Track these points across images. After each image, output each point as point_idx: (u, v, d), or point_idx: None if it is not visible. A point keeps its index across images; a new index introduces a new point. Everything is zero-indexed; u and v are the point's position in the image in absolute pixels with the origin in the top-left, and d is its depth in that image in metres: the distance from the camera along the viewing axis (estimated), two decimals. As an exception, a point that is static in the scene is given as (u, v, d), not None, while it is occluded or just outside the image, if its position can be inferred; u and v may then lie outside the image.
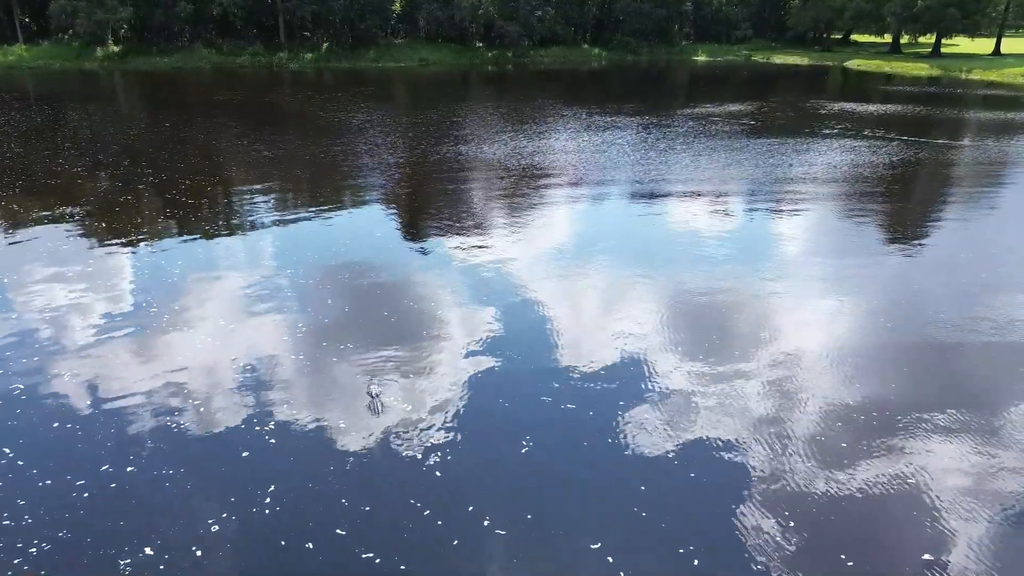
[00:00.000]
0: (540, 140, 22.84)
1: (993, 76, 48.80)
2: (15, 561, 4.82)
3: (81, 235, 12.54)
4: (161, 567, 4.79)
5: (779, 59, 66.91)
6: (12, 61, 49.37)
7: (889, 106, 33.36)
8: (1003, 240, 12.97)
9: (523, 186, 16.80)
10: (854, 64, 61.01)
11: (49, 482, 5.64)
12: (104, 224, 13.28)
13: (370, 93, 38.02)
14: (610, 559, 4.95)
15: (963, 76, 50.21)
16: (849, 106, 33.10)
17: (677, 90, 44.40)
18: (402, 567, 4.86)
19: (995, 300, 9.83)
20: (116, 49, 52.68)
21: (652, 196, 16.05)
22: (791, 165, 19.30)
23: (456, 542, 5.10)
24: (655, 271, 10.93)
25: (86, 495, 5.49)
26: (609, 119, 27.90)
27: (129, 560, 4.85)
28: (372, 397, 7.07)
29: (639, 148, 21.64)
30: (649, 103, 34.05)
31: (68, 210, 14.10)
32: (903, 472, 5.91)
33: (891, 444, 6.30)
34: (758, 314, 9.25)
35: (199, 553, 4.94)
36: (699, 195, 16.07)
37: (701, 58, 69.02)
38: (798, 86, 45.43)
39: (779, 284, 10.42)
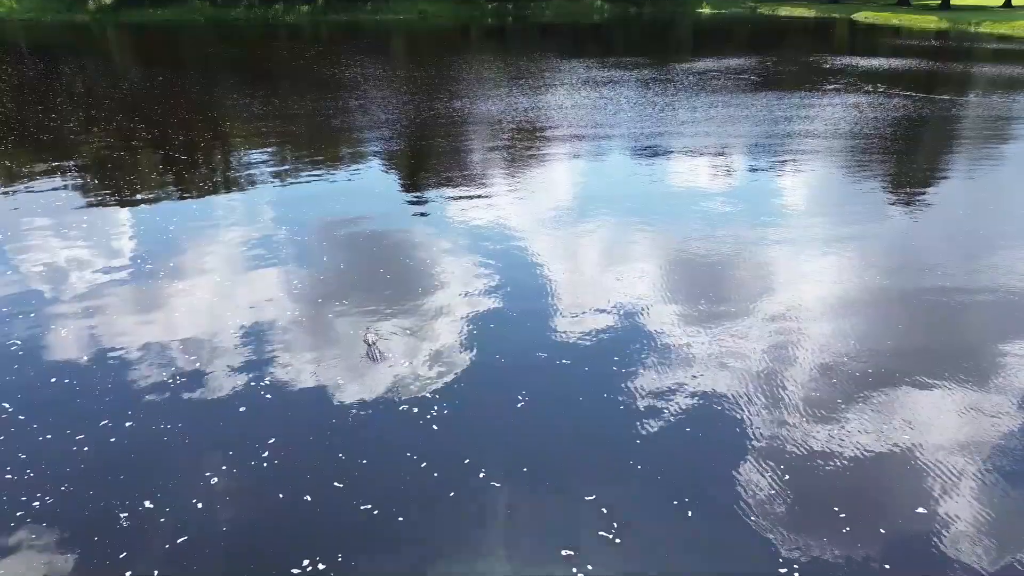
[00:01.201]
0: (537, 96, 22.55)
1: (1003, 29, 47.90)
2: (18, 514, 4.89)
3: (75, 191, 12.46)
4: (162, 519, 4.86)
5: (785, 11, 65.67)
6: (2, 13, 48.47)
7: (895, 60, 32.83)
8: (1005, 195, 12.89)
9: (519, 142, 16.63)
10: (861, 17, 59.86)
11: (49, 436, 5.69)
12: (98, 180, 13.18)
13: (367, 47, 37.41)
14: (604, 510, 5.01)
15: (973, 29, 49.30)
16: (855, 60, 32.60)
17: (680, 44, 43.67)
18: (400, 518, 4.92)
19: (994, 255, 9.80)
20: (108, 1, 51.63)
21: (650, 152, 15.90)
22: (792, 121, 19.09)
23: (452, 494, 5.16)
24: (652, 226, 10.88)
25: (86, 449, 5.54)
26: (608, 73, 27.50)
27: (129, 513, 4.91)
28: (369, 345, 7.10)
29: (638, 104, 21.38)
30: (650, 57, 33.53)
31: (61, 166, 13.99)
32: (898, 426, 5.95)
33: (887, 399, 6.34)
34: (755, 268, 9.23)
35: (200, 505, 5.00)
36: (698, 151, 15.93)
37: (706, 11, 67.74)
38: (803, 39, 44.69)
39: (777, 238, 10.38)
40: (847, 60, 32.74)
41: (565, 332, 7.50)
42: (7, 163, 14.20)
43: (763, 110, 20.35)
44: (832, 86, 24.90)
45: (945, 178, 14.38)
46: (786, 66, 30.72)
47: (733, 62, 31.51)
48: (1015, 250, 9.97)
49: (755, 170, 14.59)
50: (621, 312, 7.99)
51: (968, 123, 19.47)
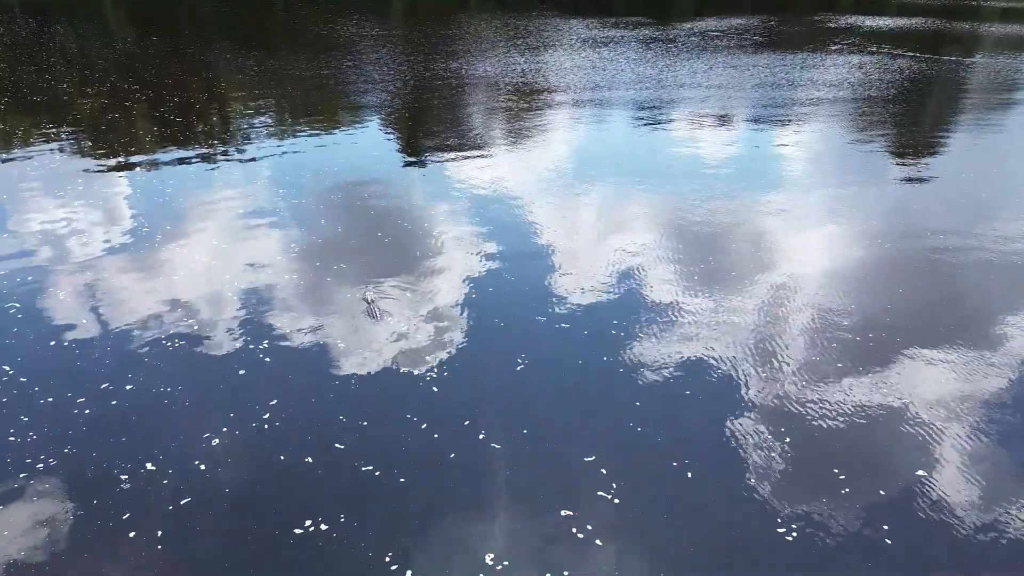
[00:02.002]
0: (536, 56, 22.22)
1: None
2: (21, 475, 4.92)
3: (70, 154, 12.32)
4: (164, 481, 4.89)
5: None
6: (-9, -28, 47.39)
7: (901, 19, 32.30)
8: (1008, 160, 12.78)
9: (517, 103, 16.43)
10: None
11: (51, 399, 5.70)
12: (93, 143, 13.03)
13: (364, 5, 36.77)
14: (603, 471, 5.05)
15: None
16: (860, 19, 32.07)
17: (682, 2, 42.92)
18: (401, 480, 4.96)
19: (994, 220, 9.75)
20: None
21: (650, 115, 15.73)
22: (794, 83, 18.84)
23: (453, 455, 5.19)
24: (651, 187, 10.81)
25: (88, 412, 5.55)
26: (608, 33, 27.07)
27: (131, 475, 4.94)
28: (368, 303, 7.13)
29: (639, 64, 21.08)
30: (651, 16, 32.97)
31: (56, 128, 13.82)
32: (898, 390, 5.97)
33: (887, 363, 6.35)
34: (755, 232, 9.18)
35: (202, 467, 5.03)
36: (698, 114, 15.75)
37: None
38: (806, -2, 43.89)
39: (777, 202, 10.31)
40: (852, 19, 32.21)
41: (564, 295, 7.48)
42: (1, 125, 14.02)
43: (764, 71, 20.07)
44: (836, 46, 24.54)
45: (950, 142, 14.24)
46: (790, 25, 30.23)
47: (735, 21, 31.00)
48: (1013, 211, 9.93)
49: (756, 135, 14.45)
50: (619, 275, 7.96)
51: (973, 85, 19.22)
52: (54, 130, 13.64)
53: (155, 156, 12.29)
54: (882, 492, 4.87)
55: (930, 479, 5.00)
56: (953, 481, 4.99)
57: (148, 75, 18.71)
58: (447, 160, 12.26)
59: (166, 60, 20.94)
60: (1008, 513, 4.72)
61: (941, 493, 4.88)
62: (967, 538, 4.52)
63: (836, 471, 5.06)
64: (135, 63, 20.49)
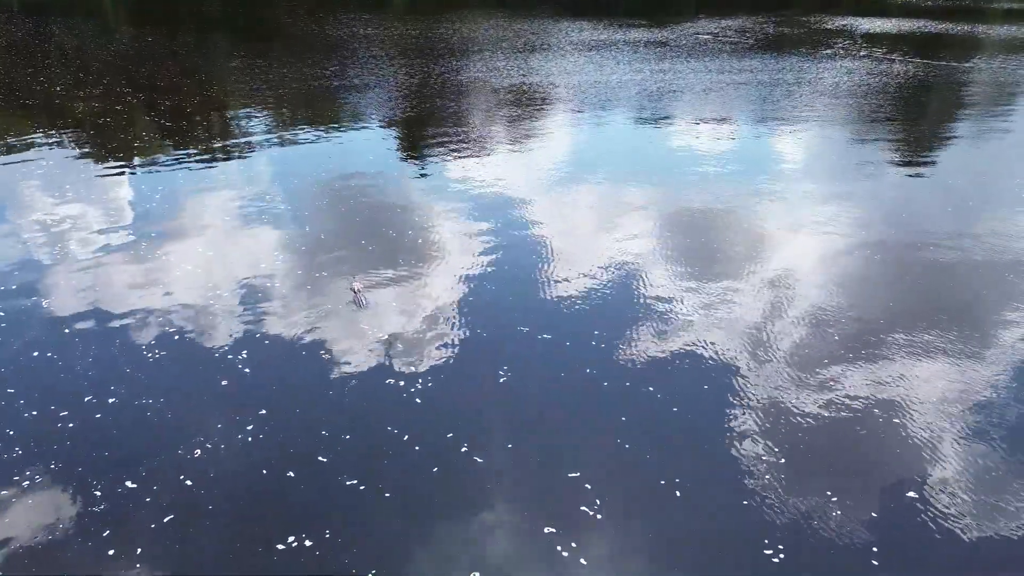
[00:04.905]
0: (528, 59, 22.21)
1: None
2: (2, 492, 4.88)
3: (59, 158, 12.27)
4: (147, 499, 4.85)
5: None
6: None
7: (901, 21, 32.29)
8: (1004, 165, 12.78)
9: (508, 106, 16.41)
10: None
11: (35, 413, 5.67)
12: (83, 147, 13.00)
13: (360, 5, 36.76)
14: (588, 486, 5.02)
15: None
16: (858, 21, 32.07)
17: (681, 3, 42.92)
18: (387, 495, 4.94)
19: (988, 222, 9.76)
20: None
21: (643, 118, 15.72)
22: (790, 87, 18.85)
23: (436, 469, 5.17)
24: (640, 198, 10.80)
25: (71, 426, 5.52)
26: (603, 37, 27.07)
27: (113, 491, 4.90)
28: (355, 292, 7.18)
29: (634, 70, 21.08)
30: (646, 18, 32.97)
31: (46, 131, 13.78)
32: (898, 403, 5.92)
33: (887, 377, 6.29)
34: (748, 242, 9.17)
35: (187, 483, 5.00)
36: (692, 117, 15.75)
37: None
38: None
39: (771, 210, 10.29)
40: (850, 21, 32.19)
41: (547, 306, 7.47)
42: (-7, 128, 14.00)
43: (756, 75, 20.08)
44: (832, 50, 24.53)
45: (945, 148, 14.24)
46: (786, 28, 30.21)
47: (729, 23, 31.00)
48: (1000, 216, 9.94)
49: (749, 140, 14.46)
50: (603, 285, 7.93)
51: (965, 90, 19.21)
52: (45, 134, 13.60)
53: (144, 161, 12.25)
54: (873, 514, 4.81)
55: (924, 500, 4.94)
56: (949, 500, 4.93)
57: (140, 77, 18.68)
58: (442, 162, 12.23)
59: (159, 62, 20.90)
60: (1008, 529, 4.70)
61: (935, 514, 4.82)
62: (963, 560, 4.49)
63: (829, 493, 4.98)
64: (128, 65, 20.44)
